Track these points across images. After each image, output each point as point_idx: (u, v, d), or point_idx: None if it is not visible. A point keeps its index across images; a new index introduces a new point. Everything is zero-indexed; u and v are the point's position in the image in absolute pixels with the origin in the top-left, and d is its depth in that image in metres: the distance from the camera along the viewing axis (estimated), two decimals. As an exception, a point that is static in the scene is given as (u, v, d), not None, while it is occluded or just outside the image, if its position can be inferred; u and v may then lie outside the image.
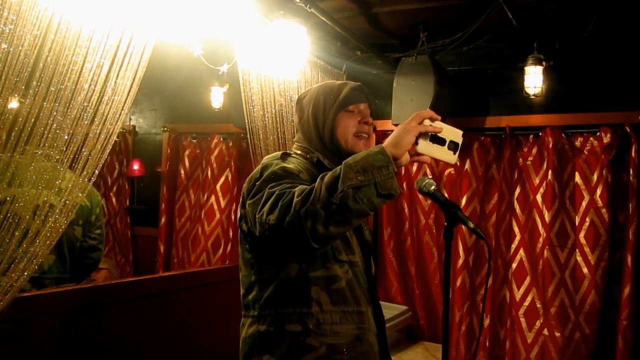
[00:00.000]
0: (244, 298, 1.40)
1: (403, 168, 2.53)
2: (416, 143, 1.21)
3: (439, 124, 1.24)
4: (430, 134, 1.22)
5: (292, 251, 1.30)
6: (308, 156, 1.44)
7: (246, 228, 1.36)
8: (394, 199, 1.20)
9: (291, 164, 1.33)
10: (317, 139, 1.45)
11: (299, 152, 1.47)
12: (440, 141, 1.24)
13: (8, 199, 1.43)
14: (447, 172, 3.45)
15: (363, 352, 1.37)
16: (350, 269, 1.37)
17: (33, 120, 1.42)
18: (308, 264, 1.31)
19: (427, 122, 1.22)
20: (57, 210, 1.55)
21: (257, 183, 1.28)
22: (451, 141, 1.25)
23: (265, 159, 1.40)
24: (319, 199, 1.11)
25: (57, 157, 1.51)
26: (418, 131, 1.21)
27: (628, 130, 2.92)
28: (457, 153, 1.27)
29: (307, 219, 1.11)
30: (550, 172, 3.10)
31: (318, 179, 1.15)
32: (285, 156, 1.39)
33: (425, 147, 1.23)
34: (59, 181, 1.58)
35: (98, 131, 1.60)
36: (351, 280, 1.36)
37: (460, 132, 1.27)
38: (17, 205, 1.44)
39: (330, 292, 1.32)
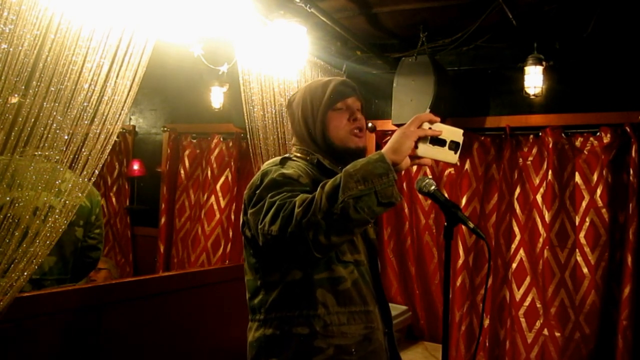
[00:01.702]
0: (250, 302, 1.40)
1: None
2: (416, 147, 1.20)
3: (438, 126, 1.22)
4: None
5: (295, 257, 1.30)
6: (308, 158, 1.43)
7: (249, 234, 1.35)
8: (394, 206, 1.20)
9: (290, 169, 1.32)
10: (310, 141, 1.44)
11: (298, 154, 1.46)
12: (440, 142, 1.23)
13: (8, 199, 1.43)
14: (447, 172, 3.45)
15: (372, 352, 1.36)
16: (355, 269, 1.36)
17: (33, 120, 1.42)
18: (312, 267, 1.30)
19: (426, 125, 1.21)
20: (57, 211, 1.55)
21: (258, 191, 1.27)
22: (452, 141, 1.24)
23: (265, 164, 1.40)
24: (320, 209, 1.10)
25: (57, 157, 1.51)
26: (417, 135, 1.20)
27: (628, 130, 2.92)
28: (459, 152, 1.26)
29: (309, 229, 1.10)
30: (550, 172, 3.10)
31: (319, 188, 1.15)
32: (284, 161, 1.38)
33: (426, 150, 1.22)
34: (59, 182, 1.58)
35: (98, 131, 1.60)
36: (357, 280, 1.36)
37: (461, 131, 1.26)
38: (16, 206, 1.43)
39: (336, 293, 1.32)
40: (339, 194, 1.10)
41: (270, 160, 1.42)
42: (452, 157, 1.25)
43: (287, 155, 1.45)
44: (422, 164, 1.27)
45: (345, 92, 1.44)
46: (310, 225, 1.10)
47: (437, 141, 1.23)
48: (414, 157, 1.23)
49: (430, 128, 1.21)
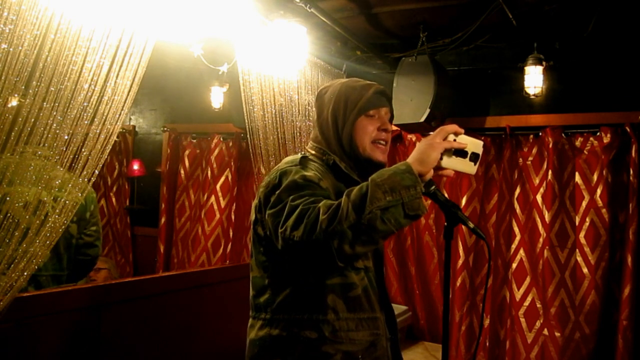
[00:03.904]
0: (255, 299, 1.38)
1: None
2: (440, 158, 1.21)
3: (463, 138, 1.22)
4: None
5: (314, 263, 1.28)
6: (324, 157, 1.40)
7: (262, 233, 1.33)
8: (420, 218, 1.19)
9: (310, 171, 1.29)
10: (335, 140, 1.41)
11: (313, 152, 1.43)
12: (462, 154, 1.24)
13: (8, 199, 1.43)
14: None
15: (377, 358, 1.36)
16: (365, 275, 1.35)
17: (33, 120, 1.42)
18: (324, 271, 1.29)
19: (451, 137, 1.21)
20: (57, 210, 1.55)
21: (277, 192, 1.24)
22: (472, 152, 1.25)
23: (283, 164, 1.36)
24: (346, 218, 1.08)
25: (57, 157, 1.51)
26: (444, 148, 1.19)
27: (628, 130, 2.92)
28: (478, 163, 1.27)
29: (334, 238, 1.09)
30: (550, 172, 3.10)
31: (344, 196, 1.13)
32: (304, 161, 1.35)
33: (450, 161, 1.22)
34: (58, 181, 1.58)
35: (98, 131, 1.60)
36: (367, 287, 1.35)
37: (481, 143, 1.27)
38: (16, 205, 1.43)
39: (347, 299, 1.31)
40: (367, 204, 1.08)
41: (288, 159, 1.39)
42: (472, 168, 1.26)
43: (304, 154, 1.41)
44: (444, 175, 1.26)
45: (382, 102, 1.42)
46: (335, 234, 1.08)
47: (459, 152, 1.23)
48: (437, 167, 1.22)
49: (454, 140, 1.22)
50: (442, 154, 1.21)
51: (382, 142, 1.41)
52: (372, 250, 1.40)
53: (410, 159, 1.19)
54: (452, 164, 1.23)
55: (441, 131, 1.21)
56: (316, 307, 1.29)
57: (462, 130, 1.23)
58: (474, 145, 1.25)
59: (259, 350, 1.34)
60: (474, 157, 1.25)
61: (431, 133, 1.26)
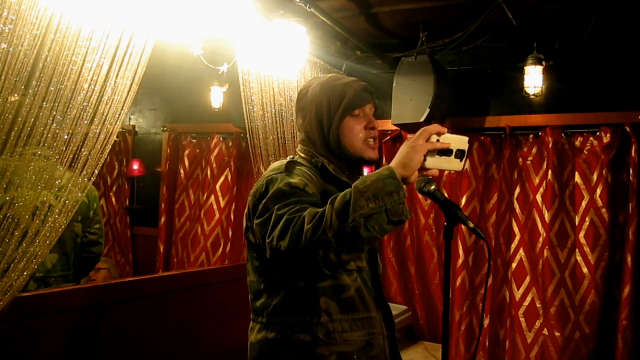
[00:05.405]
0: (253, 303, 1.39)
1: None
2: (424, 159, 1.20)
3: (446, 138, 1.21)
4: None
5: (302, 270, 1.29)
6: (313, 160, 1.40)
7: (254, 240, 1.34)
8: (404, 223, 1.19)
9: (296, 178, 1.29)
10: (322, 143, 1.41)
11: (303, 155, 1.44)
12: (447, 152, 1.22)
13: (8, 199, 1.43)
14: (447, 172, 3.45)
15: (374, 357, 1.36)
16: (358, 276, 1.35)
17: (33, 120, 1.42)
18: (316, 275, 1.30)
19: (434, 137, 1.20)
20: (57, 210, 1.55)
21: (264, 201, 1.25)
22: (458, 150, 1.24)
23: (270, 171, 1.36)
24: (331, 227, 1.09)
25: (57, 157, 1.51)
26: (427, 149, 1.18)
27: (628, 130, 2.92)
28: (465, 160, 1.26)
29: (319, 247, 1.09)
30: (550, 172, 3.10)
31: (328, 204, 1.13)
32: (290, 167, 1.35)
33: (434, 162, 1.21)
34: (59, 181, 1.58)
35: (98, 131, 1.60)
36: (360, 288, 1.35)
37: (466, 139, 1.25)
38: (16, 206, 1.43)
39: (340, 301, 1.31)
40: (350, 212, 1.08)
41: (275, 165, 1.39)
42: (458, 165, 1.25)
43: (292, 159, 1.41)
44: (429, 175, 1.25)
45: (365, 99, 1.41)
46: (320, 244, 1.09)
47: (444, 151, 1.22)
48: (422, 169, 1.21)
49: (438, 140, 1.20)
50: (425, 156, 1.19)
51: (371, 140, 1.41)
52: (363, 253, 1.40)
53: (393, 163, 1.18)
54: (437, 164, 1.22)
55: (424, 132, 1.20)
56: (309, 310, 1.30)
57: (445, 130, 1.22)
58: (459, 142, 1.24)
59: (258, 354, 1.35)
60: (460, 154, 1.24)
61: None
